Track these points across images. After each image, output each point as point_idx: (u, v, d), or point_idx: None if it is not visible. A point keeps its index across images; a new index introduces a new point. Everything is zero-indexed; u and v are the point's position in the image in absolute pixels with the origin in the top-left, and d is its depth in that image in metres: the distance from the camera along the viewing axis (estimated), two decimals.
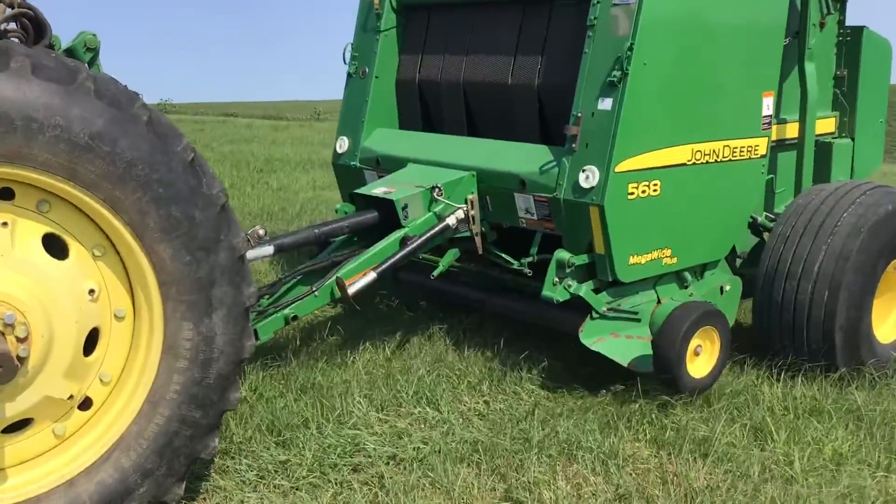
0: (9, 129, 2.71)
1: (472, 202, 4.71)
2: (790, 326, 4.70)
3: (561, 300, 4.39)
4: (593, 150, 4.27)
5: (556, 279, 4.39)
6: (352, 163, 5.41)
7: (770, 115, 4.83)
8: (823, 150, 5.55)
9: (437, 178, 4.71)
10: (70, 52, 3.43)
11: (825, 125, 5.61)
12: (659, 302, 4.66)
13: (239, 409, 4.05)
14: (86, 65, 3.25)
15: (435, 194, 4.64)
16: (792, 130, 5.30)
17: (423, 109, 5.44)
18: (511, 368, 4.77)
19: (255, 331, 4.07)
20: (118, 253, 3.04)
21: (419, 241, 4.52)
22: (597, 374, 4.68)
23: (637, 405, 4.36)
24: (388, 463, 3.85)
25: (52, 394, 2.98)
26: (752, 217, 5.06)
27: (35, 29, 3.27)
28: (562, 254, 4.40)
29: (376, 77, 5.40)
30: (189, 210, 2.99)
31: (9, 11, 3.21)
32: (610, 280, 4.45)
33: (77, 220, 2.98)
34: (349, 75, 5.52)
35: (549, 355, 4.86)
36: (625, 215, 4.31)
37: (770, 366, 4.77)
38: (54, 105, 2.75)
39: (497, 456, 3.89)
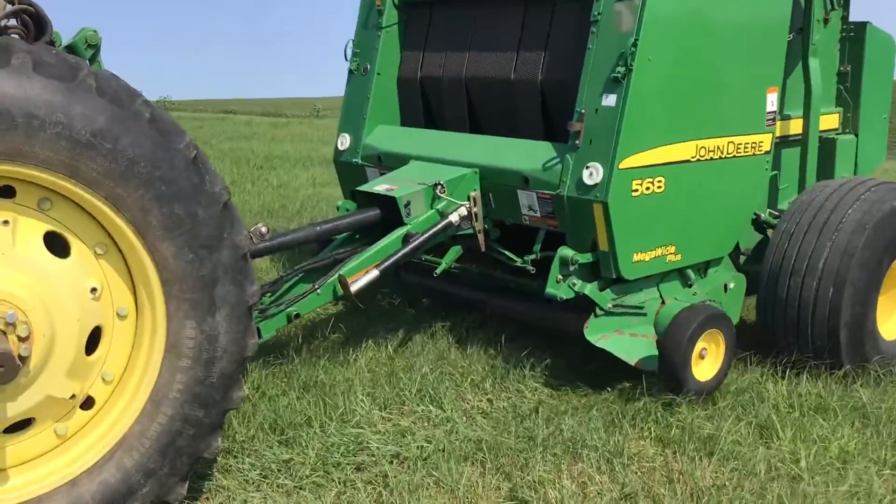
0: (10, 127, 2.68)
1: (474, 199, 4.69)
2: (794, 323, 4.68)
3: (565, 298, 4.37)
4: (597, 147, 4.25)
5: (560, 276, 4.37)
6: (353, 160, 5.39)
7: (774, 112, 4.81)
8: (827, 146, 5.54)
9: (439, 175, 4.69)
10: (71, 48, 3.40)
11: (829, 121, 5.59)
12: (663, 302, 4.64)
13: (241, 407, 4.03)
14: (87, 61, 3.23)
15: (437, 191, 4.62)
16: (796, 127, 5.28)
17: (425, 106, 5.41)
18: (514, 366, 4.75)
19: (258, 329, 4.05)
20: (120, 251, 3.01)
21: (422, 239, 4.50)
22: (600, 371, 4.66)
23: (641, 403, 4.34)
24: (391, 462, 3.83)
25: (54, 393, 2.96)
26: (755, 214, 5.04)
27: (36, 25, 3.25)
28: (565, 251, 4.37)
29: (378, 73, 5.37)
30: (192, 208, 2.96)
31: (9, 8, 3.18)
32: (614, 277, 4.43)
33: (79, 218, 2.95)
34: (350, 72, 5.50)
35: (551, 353, 4.84)
36: (629, 212, 4.28)
37: (774, 363, 4.76)
38: (56, 102, 2.72)
39: (501, 455, 3.87)
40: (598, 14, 4.30)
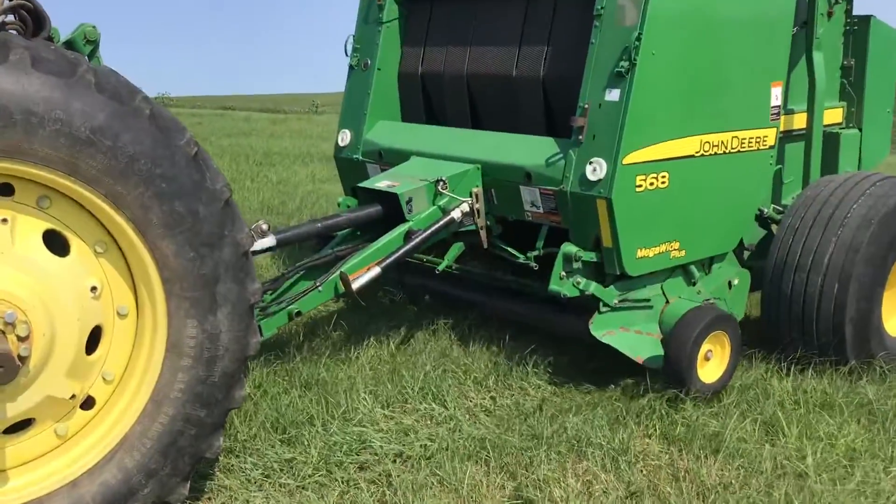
0: (8, 124, 2.64)
1: (476, 195, 4.66)
2: (799, 319, 4.65)
3: (569, 295, 4.33)
4: (600, 142, 4.21)
5: (564, 273, 4.33)
6: (354, 156, 5.35)
7: (779, 106, 4.78)
8: (831, 140, 5.50)
9: (441, 171, 4.65)
10: (70, 44, 3.35)
11: (833, 115, 5.55)
12: (667, 301, 4.61)
13: (243, 406, 4.00)
14: (86, 57, 3.19)
15: (439, 187, 4.59)
16: (800, 121, 5.24)
17: (426, 102, 5.38)
18: (517, 363, 4.72)
19: (259, 327, 4.02)
20: (120, 249, 2.98)
21: (424, 235, 4.46)
22: (604, 369, 4.63)
23: (646, 400, 4.31)
24: (394, 461, 3.80)
25: (54, 393, 2.92)
26: (759, 209, 5.00)
27: (34, 21, 3.19)
28: (569, 247, 4.34)
29: (378, 69, 5.33)
30: (192, 205, 2.93)
31: (7, 3, 3.13)
32: (617, 274, 4.39)
33: (78, 216, 2.92)
34: (351, 67, 5.46)
35: (554, 350, 4.81)
36: (632, 208, 4.25)
37: (779, 359, 4.73)
38: (54, 98, 2.69)
39: (505, 453, 3.84)
40: (602, 8, 4.26)
